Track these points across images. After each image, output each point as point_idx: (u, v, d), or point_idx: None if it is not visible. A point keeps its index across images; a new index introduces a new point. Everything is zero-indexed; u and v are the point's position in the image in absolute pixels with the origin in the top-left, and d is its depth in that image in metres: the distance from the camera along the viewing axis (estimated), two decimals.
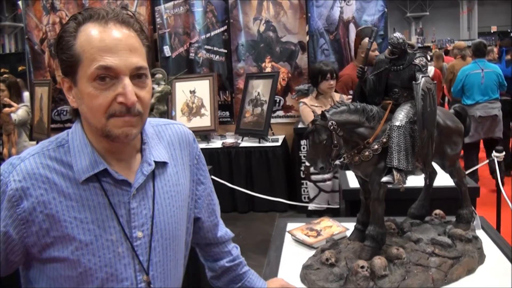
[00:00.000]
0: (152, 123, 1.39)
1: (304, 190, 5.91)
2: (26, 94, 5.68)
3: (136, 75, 1.18)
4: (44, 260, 1.20)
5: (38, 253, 1.19)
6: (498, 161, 3.87)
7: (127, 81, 1.16)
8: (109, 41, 1.15)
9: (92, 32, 1.16)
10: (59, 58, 1.19)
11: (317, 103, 4.47)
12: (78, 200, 1.20)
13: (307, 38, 6.36)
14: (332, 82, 4.40)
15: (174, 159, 1.38)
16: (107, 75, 1.14)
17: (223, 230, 1.62)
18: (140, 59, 1.19)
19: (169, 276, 1.33)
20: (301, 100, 4.78)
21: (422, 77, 1.75)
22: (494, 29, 29.44)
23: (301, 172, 5.88)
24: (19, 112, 4.98)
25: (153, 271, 1.28)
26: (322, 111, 1.73)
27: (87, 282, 1.20)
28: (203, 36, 6.75)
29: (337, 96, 4.54)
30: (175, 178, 1.37)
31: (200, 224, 1.54)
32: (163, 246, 1.30)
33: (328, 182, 4.79)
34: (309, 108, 4.45)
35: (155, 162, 1.31)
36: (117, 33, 1.17)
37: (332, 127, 1.70)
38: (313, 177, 4.75)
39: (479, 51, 6.44)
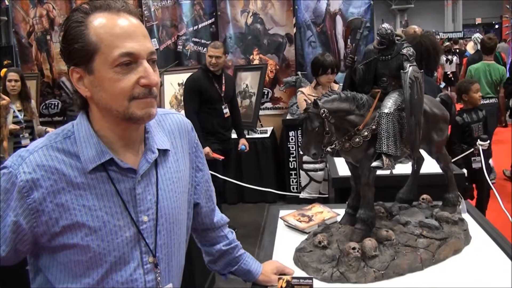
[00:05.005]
0: None
1: (293, 181, 5.99)
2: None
3: (151, 60, 1.25)
4: (54, 248, 1.25)
5: (48, 241, 1.24)
6: (482, 149, 3.99)
7: (146, 64, 1.22)
8: (127, 28, 1.21)
9: (106, 20, 1.21)
10: (69, 48, 1.22)
11: (315, 93, 4.47)
12: (86, 189, 1.25)
13: (294, 30, 6.42)
14: (332, 76, 4.43)
15: (175, 147, 1.44)
16: (129, 61, 1.20)
17: (219, 216, 1.69)
18: (152, 45, 1.26)
19: (172, 258, 1.40)
20: (300, 89, 4.83)
21: (410, 66, 1.82)
22: (478, 21, 29.70)
23: (290, 163, 5.96)
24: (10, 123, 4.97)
25: (159, 253, 1.35)
26: (314, 99, 1.79)
27: (96, 266, 1.26)
28: (190, 29, 6.78)
29: (336, 87, 4.58)
30: (176, 165, 1.43)
31: (199, 209, 1.60)
32: (167, 229, 1.37)
33: (319, 172, 4.86)
34: (303, 99, 4.50)
35: (158, 149, 1.36)
36: (131, 21, 1.23)
37: (324, 115, 1.76)
38: (305, 166, 4.82)
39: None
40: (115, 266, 1.28)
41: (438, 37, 20.49)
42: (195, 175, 1.54)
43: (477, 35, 8.79)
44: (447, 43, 13.39)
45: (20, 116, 5.20)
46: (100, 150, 1.26)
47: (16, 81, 5.16)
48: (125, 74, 1.20)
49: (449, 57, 12.80)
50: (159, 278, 1.34)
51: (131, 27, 1.22)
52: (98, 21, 1.20)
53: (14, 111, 5.16)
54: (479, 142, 3.94)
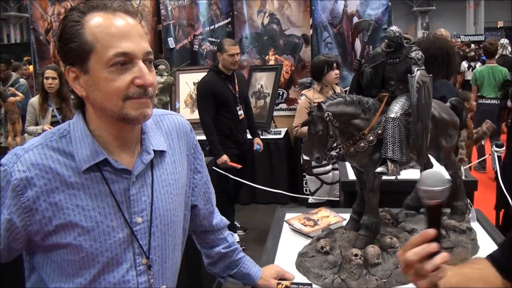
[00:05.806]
0: None
1: (305, 183, 5.92)
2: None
3: (147, 60, 1.23)
4: (47, 247, 1.25)
5: (41, 240, 1.24)
6: (498, 156, 3.89)
7: (142, 64, 1.21)
8: (122, 28, 1.20)
9: (102, 20, 1.20)
10: (65, 48, 1.21)
11: (320, 97, 4.39)
12: (80, 189, 1.24)
13: (311, 31, 6.37)
14: (338, 71, 4.42)
15: (172, 148, 1.43)
16: (124, 60, 1.19)
17: (218, 218, 1.67)
18: (148, 45, 1.25)
19: (167, 260, 1.38)
20: (303, 92, 4.73)
21: (418, 70, 1.78)
22: (500, 24, 29.34)
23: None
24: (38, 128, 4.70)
25: (152, 255, 1.33)
26: (318, 103, 1.76)
27: (88, 266, 1.25)
28: (207, 28, 6.78)
29: (338, 89, 4.54)
30: (173, 167, 1.41)
31: (197, 211, 1.58)
32: (162, 231, 1.35)
33: (329, 174, 4.80)
34: (304, 106, 4.41)
35: (154, 151, 1.35)
36: (127, 21, 1.23)
37: (328, 118, 1.73)
38: (315, 170, 4.75)
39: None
40: (107, 267, 1.27)
41: (459, 40, 20.23)
42: (193, 177, 1.52)
43: (504, 40, 8.88)
44: (473, 54, 12.90)
45: (59, 116, 4.91)
46: (95, 150, 1.25)
47: (53, 78, 4.83)
48: (120, 74, 1.19)
49: (472, 63, 12.30)
50: (152, 280, 1.33)
51: (127, 27, 1.21)
52: (94, 21, 1.20)
53: (53, 110, 4.91)
54: (494, 148, 3.85)
